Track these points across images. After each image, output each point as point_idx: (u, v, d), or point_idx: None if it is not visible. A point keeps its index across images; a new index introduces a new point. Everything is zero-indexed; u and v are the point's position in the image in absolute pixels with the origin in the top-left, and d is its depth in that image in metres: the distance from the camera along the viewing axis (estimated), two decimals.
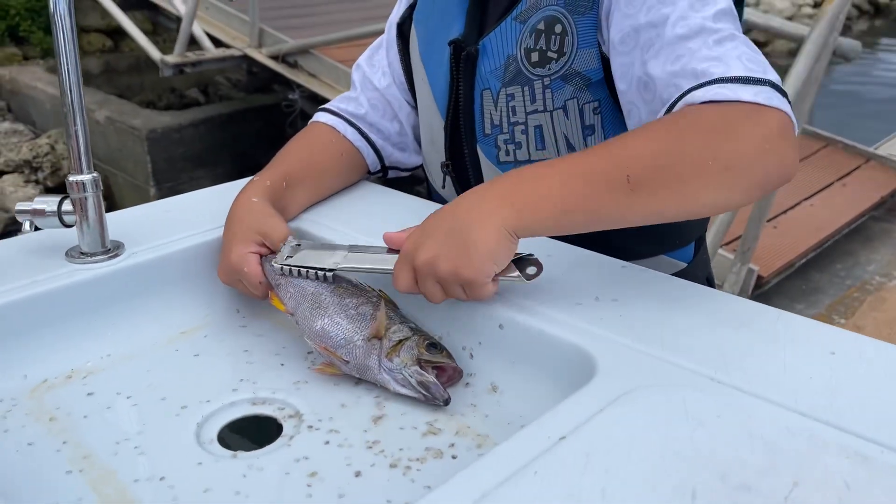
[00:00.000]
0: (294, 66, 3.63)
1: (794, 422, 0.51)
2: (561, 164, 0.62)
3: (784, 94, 0.63)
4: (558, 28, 0.74)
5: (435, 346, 0.66)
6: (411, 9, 0.91)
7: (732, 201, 0.63)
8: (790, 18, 8.45)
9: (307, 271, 0.70)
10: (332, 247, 0.72)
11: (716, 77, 0.62)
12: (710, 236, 2.28)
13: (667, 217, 0.62)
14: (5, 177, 4.66)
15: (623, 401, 0.53)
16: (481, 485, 0.46)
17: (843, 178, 3.20)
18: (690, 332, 0.62)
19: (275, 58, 3.69)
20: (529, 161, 0.80)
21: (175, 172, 4.04)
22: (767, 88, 0.61)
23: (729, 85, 0.61)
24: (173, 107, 4.91)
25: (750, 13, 2.20)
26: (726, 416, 0.51)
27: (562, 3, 0.74)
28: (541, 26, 0.75)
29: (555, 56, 0.75)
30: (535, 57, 0.76)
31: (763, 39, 7.51)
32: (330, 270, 0.69)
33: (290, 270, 0.70)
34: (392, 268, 0.66)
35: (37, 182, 4.59)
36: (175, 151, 4.10)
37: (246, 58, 3.88)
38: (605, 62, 0.74)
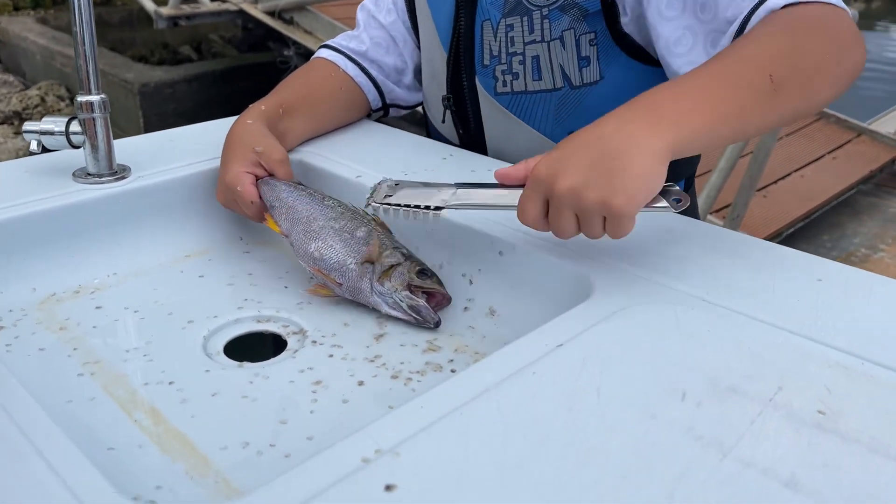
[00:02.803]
0: (290, 22, 3.60)
1: (780, 337, 0.53)
2: (701, 76, 0.59)
3: None
4: None
5: (425, 272, 0.67)
6: None
7: (838, 91, 0.64)
8: None
9: (410, 211, 0.61)
10: (437, 185, 0.63)
11: None
12: (701, 201, 2.30)
13: (793, 116, 0.63)
14: None
15: (618, 315, 0.56)
16: (483, 383, 0.48)
17: (834, 152, 3.23)
18: (685, 260, 0.64)
19: (271, 13, 3.66)
20: (525, 93, 0.82)
21: (167, 127, 4.01)
22: None
23: None
24: (166, 62, 4.87)
25: None
26: (716, 330, 0.54)
27: None
28: None
29: None
30: None
31: None
32: (438, 208, 0.60)
33: (390, 210, 0.62)
34: (514, 203, 0.58)
35: None
36: (167, 106, 4.07)
37: (241, 13, 3.85)
38: None
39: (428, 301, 0.67)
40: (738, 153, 2.26)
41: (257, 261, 0.80)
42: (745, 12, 0.67)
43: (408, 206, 0.62)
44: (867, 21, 8.55)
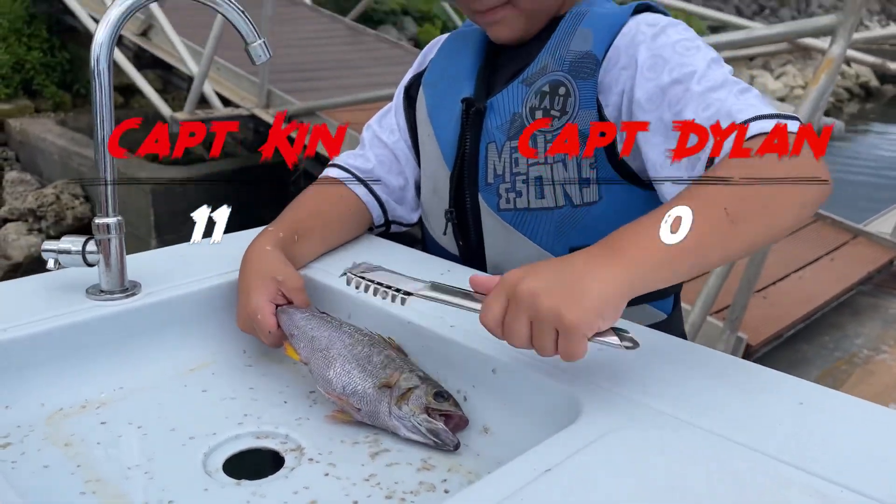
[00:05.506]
0: None
1: (761, 462, 0.55)
2: (659, 214, 0.63)
3: None
4: (562, 90, 0.83)
5: (442, 394, 0.68)
6: (418, 76, 1.00)
7: (803, 218, 0.68)
8: (782, 99, 8.72)
9: (381, 290, 0.63)
10: (413, 278, 0.66)
11: (752, 116, 0.71)
12: (700, 303, 2.33)
13: (759, 244, 0.67)
14: (8, 225, 4.72)
15: (605, 440, 0.58)
16: None
17: (831, 253, 3.27)
18: (669, 380, 0.66)
19: None
20: (528, 209, 0.86)
21: (177, 225, 4.11)
22: (797, 122, 0.71)
23: (768, 120, 0.70)
24: (178, 162, 5.03)
25: None
26: (698, 454, 0.56)
27: (566, 69, 0.83)
28: (546, 88, 0.84)
29: (557, 114, 0.83)
30: (539, 115, 0.84)
31: None
32: (408, 294, 0.63)
33: (365, 286, 0.64)
34: (478, 306, 0.62)
35: (39, 230, 4.66)
36: (179, 205, 4.17)
37: (253, 117, 4.00)
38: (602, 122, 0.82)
39: (446, 422, 0.68)
40: None
41: (259, 374, 0.82)
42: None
43: (380, 284, 0.64)
44: (861, 122, 8.80)
